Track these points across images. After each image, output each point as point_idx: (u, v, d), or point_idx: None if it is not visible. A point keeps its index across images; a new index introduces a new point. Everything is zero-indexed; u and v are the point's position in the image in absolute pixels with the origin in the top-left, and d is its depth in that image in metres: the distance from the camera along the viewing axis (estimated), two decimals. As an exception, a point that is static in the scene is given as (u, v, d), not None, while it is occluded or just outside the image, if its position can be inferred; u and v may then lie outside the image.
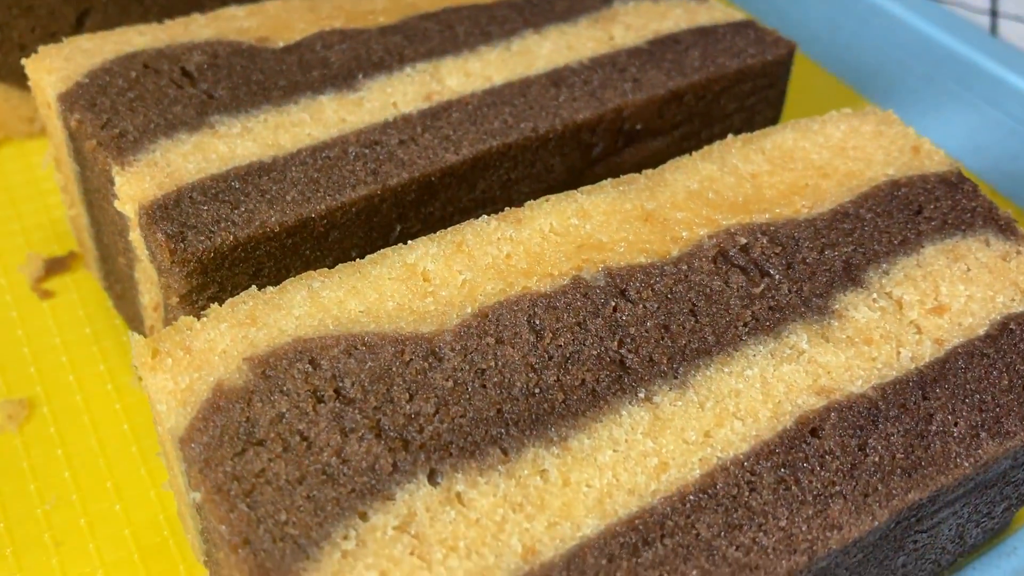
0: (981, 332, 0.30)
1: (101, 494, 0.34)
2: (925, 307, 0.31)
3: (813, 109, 0.51)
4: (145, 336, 0.37)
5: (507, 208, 0.37)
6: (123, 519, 0.33)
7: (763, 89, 0.41)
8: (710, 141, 0.42)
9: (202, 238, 0.30)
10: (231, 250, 0.30)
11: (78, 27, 0.44)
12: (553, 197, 0.32)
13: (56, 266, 0.41)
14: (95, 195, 0.35)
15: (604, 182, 0.33)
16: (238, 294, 0.31)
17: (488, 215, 0.31)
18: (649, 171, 0.34)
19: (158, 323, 0.34)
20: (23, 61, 0.37)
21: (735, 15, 0.43)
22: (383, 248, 0.34)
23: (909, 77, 0.58)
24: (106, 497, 0.34)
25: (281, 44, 0.39)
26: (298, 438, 0.25)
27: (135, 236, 0.32)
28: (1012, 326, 0.31)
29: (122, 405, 0.37)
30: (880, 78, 0.58)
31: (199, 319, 0.28)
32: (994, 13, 0.66)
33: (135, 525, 0.33)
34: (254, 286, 0.28)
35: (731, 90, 0.40)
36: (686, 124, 0.40)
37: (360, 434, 0.26)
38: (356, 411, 0.26)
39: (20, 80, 0.45)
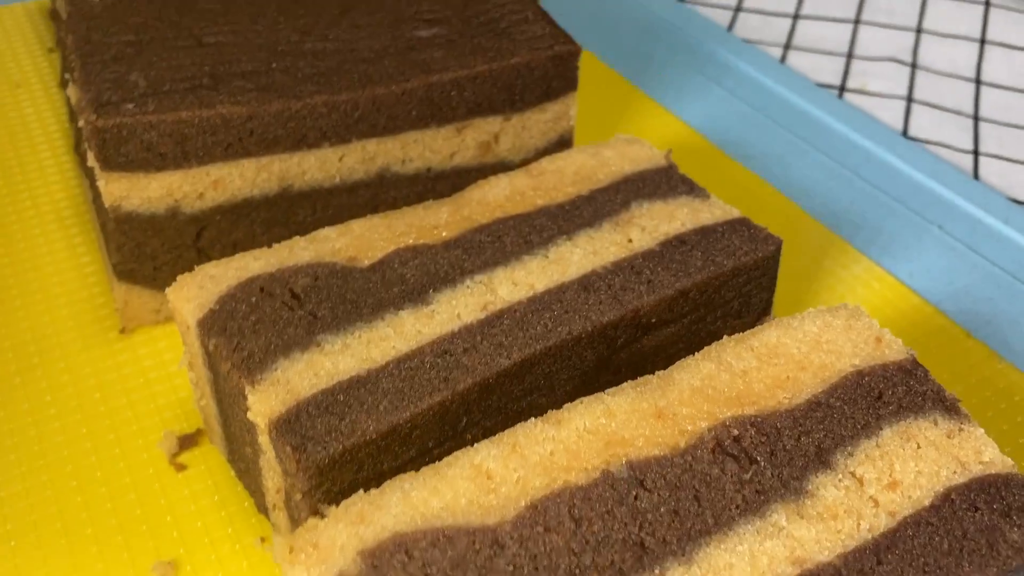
0: (927, 503, 0.39)
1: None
2: (881, 483, 0.39)
3: (803, 257, 0.59)
4: (267, 508, 0.46)
5: (547, 397, 0.46)
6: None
7: (756, 279, 0.50)
8: (714, 323, 0.51)
9: (319, 448, 0.40)
10: (340, 456, 0.40)
11: (197, 239, 0.54)
12: (585, 400, 0.41)
13: (187, 442, 0.51)
14: (227, 398, 0.45)
15: (625, 384, 0.42)
16: (345, 488, 0.41)
17: (535, 417, 0.41)
18: (661, 372, 0.42)
19: (279, 501, 0.44)
20: (167, 291, 0.47)
21: (732, 212, 0.52)
22: (453, 437, 0.44)
23: (891, 219, 0.66)
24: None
25: (367, 263, 0.48)
26: (402, 615, 0.34)
27: (264, 439, 0.42)
28: (953, 496, 0.39)
29: (248, 563, 0.46)
30: (867, 223, 0.66)
31: (321, 519, 0.37)
32: (976, 153, 0.75)
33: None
34: (361, 490, 0.38)
35: (728, 283, 0.49)
36: (692, 313, 0.49)
37: (447, 610, 0.35)
38: (443, 592, 0.35)
39: (149, 282, 0.55)
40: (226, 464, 0.50)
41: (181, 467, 0.50)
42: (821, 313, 0.46)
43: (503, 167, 0.60)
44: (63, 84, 0.66)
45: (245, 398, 0.42)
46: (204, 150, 0.51)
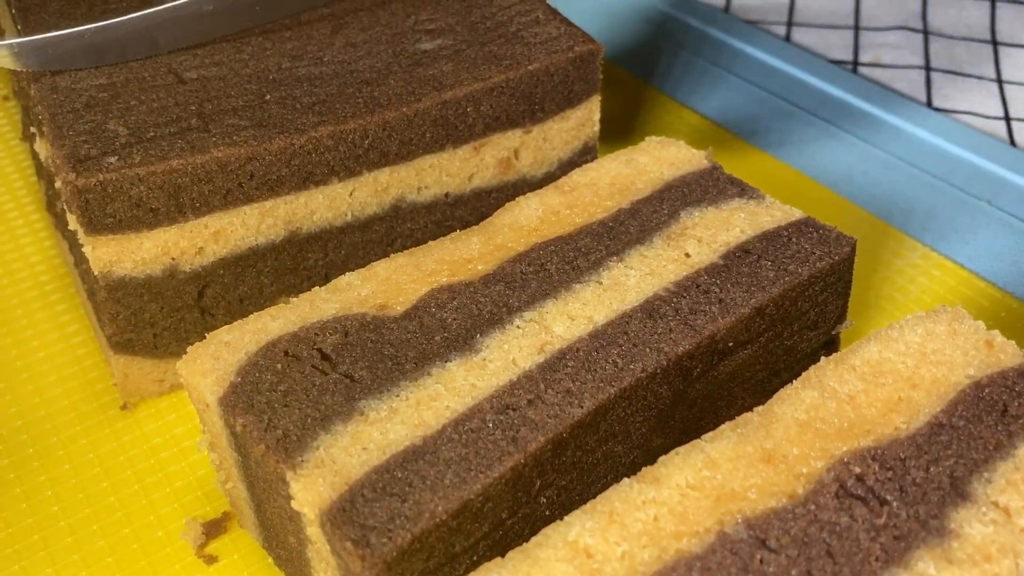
0: (1085, 530, 0.34)
1: None
2: (1030, 512, 0.34)
3: (857, 250, 0.54)
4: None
5: (622, 444, 0.41)
6: None
7: (832, 284, 0.45)
8: (790, 338, 0.46)
9: (384, 540, 0.34)
10: (409, 544, 0.34)
11: (199, 298, 0.49)
12: (682, 450, 0.36)
13: (214, 529, 0.45)
14: (261, 483, 0.39)
15: (723, 427, 0.37)
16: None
17: (612, 468, 0.35)
18: (760, 408, 0.37)
19: (335, 596, 0.38)
20: (177, 365, 0.41)
21: (793, 213, 0.47)
22: (527, 503, 0.39)
23: (937, 199, 0.62)
24: None
25: (400, 309, 0.43)
26: None
27: (314, 531, 0.36)
28: (1111, 518, 0.34)
29: (304, 665, 0.40)
30: (914, 207, 0.62)
31: (403, 626, 0.31)
32: (1008, 119, 0.71)
33: None
34: (442, 585, 0.32)
35: (805, 293, 0.44)
36: (769, 331, 0.44)
37: None
38: None
39: (150, 351, 0.49)
40: (261, 551, 0.44)
41: (212, 559, 0.44)
42: (920, 320, 0.41)
43: (525, 184, 0.54)
44: (26, 138, 0.60)
45: (286, 484, 0.37)
46: (200, 200, 0.45)
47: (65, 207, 0.46)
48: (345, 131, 0.47)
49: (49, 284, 0.57)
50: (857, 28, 0.80)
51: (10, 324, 0.55)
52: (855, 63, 0.76)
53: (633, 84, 0.72)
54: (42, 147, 0.48)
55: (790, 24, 0.81)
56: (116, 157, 0.44)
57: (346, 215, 0.50)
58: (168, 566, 0.44)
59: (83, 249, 0.45)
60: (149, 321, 0.48)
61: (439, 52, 0.51)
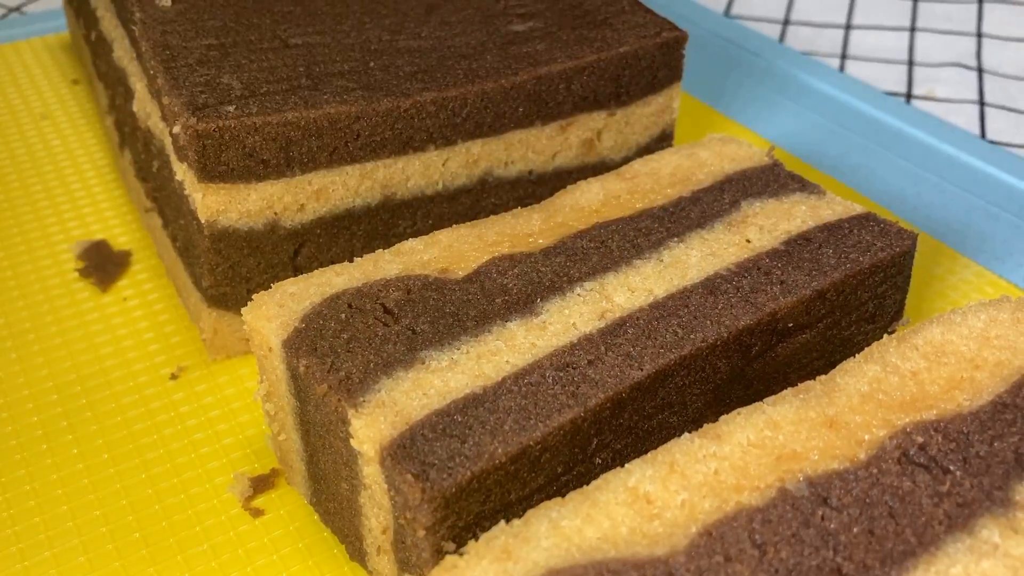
0: None
1: None
2: (1097, 491, 0.34)
3: (914, 266, 0.54)
4: (364, 553, 0.40)
5: (678, 415, 0.41)
6: None
7: (892, 277, 0.45)
8: (848, 329, 0.46)
9: (444, 475, 0.34)
10: (468, 483, 0.34)
11: (294, 256, 0.49)
12: (743, 411, 0.36)
13: (262, 484, 0.45)
14: (317, 428, 0.40)
15: (785, 392, 0.37)
16: (470, 523, 0.35)
17: (689, 432, 0.35)
18: (823, 377, 0.37)
19: (385, 543, 0.38)
20: (243, 311, 0.42)
21: (854, 208, 0.48)
22: (582, 462, 0.38)
23: (991, 223, 0.62)
24: None
25: (461, 274, 0.43)
26: (574, 666, 0.29)
27: (371, 470, 0.36)
28: None
29: (346, 617, 0.40)
30: (968, 229, 0.62)
31: (460, 556, 0.31)
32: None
33: None
34: (502, 521, 0.32)
35: (865, 282, 0.44)
36: (828, 317, 0.44)
37: (627, 659, 0.29)
38: (618, 636, 0.29)
39: (242, 307, 0.49)
40: (308, 508, 0.44)
41: (258, 512, 0.44)
42: (984, 307, 0.41)
43: (604, 168, 0.55)
44: (112, 110, 0.61)
45: (346, 423, 0.37)
46: (308, 156, 0.46)
47: (175, 157, 0.47)
48: (447, 98, 0.48)
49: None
50: (911, 64, 0.81)
51: (65, 286, 0.56)
52: (908, 95, 0.77)
53: (691, 104, 0.73)
54: (145, 105, 0.50)
55: (844, 57, 0.82)
56: (233, 106, 0.45)
57: (437, 184, 0.51)
58: (214, 516, 0.44)
59: (191, 197, 0.46)
60: (245, 276, 0.49)
61: (531, 33, 0.53)
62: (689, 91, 0.74)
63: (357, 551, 0.41)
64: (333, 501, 0.41)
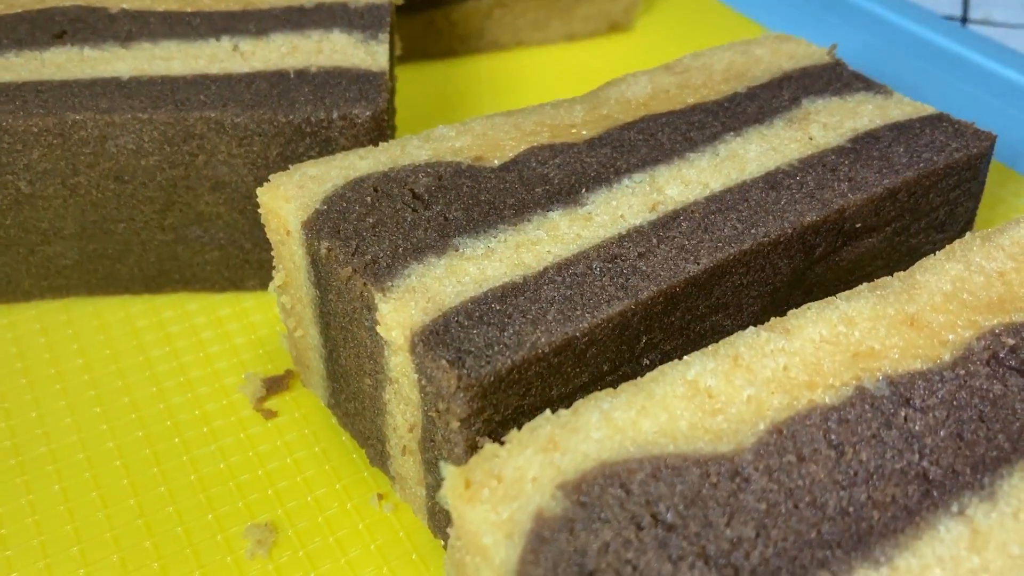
0: None
1: (359, 618, 0.34)
2: None
3: (985, 195, 0.51)
4: (387, 457, 0.37)
5: (732, 319, 0.37)
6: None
7: (967, 181, 0.42)
8: (916, 236, 0.42)
9: (481, 363, 0.31)
10: (508, 372, 0.31)
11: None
12: (815, 305, 0.32)
13: (275, 385, 0.42)
14: (338, 318, 0.36)
15: (860, 287, 0.33)
16: (507, 420, 0.32)
17: (755, 326, 0.32)
18: (901, 274, 0.34)
19: (411, 443, 0.35)
20: (258, 191, 0.38)
21: (926, 109, 0.44)
22: (629, 361, 0.35)
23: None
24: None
25: (497, 162, 0.40)
26: (629, 568, 0.25)
27: (398, 360, 0.33)
28: None
29: (365, 525, 0.37)
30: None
31: (501, 445, 0.28)
32: None
33: (399, 650, 0.33)
34: (548, 410, 0.29)
35: (939, 184, 0.41)
36: (897, 220, 0.40)
37: (690, 561, 0.26)
38: (679, 537, 0.26)
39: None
40: (325, 410, 0.41)
41: (270, 414, 0.41)
42: (1076, 208, 0.37)
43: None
44: None
45: (372, 310, 0.33)
46: None
47: None
48: None
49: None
50: (967, -12, 0.76)
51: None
52: (964, 19, 0.72)
53: (731, 18, 0.69)
54: None
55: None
56: None
57: None
58: (224, 416, 0.41)
59: None
60: None
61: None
62: (734, 6, 0.70)
63: (379, 455, 0.38)
64: (354, 401, 0.38)
